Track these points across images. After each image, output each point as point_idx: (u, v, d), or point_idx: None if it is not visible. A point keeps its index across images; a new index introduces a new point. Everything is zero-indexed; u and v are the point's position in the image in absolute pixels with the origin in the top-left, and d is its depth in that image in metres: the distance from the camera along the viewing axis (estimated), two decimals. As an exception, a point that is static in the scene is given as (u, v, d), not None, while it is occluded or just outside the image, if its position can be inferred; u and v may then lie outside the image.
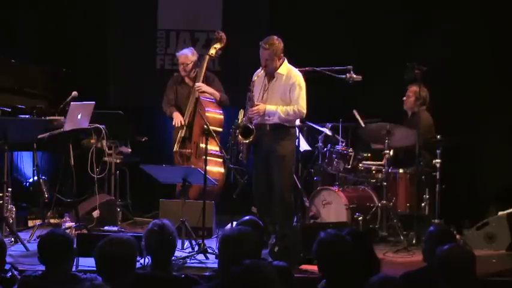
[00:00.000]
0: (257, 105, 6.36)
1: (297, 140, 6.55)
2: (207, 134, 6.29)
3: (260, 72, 6.45)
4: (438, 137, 6.77)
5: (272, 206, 6.47)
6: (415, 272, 4.07)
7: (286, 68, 6.40)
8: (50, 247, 3.74)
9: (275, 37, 6.38)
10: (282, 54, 6.37)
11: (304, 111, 6.37)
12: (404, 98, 7.15)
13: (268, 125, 6.41)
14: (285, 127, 6.41)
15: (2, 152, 6.19)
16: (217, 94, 7.22)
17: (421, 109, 7.00)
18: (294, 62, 6.54)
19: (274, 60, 6.34)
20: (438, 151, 6.69)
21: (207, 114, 6.89)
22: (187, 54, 7.32)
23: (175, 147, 7.25)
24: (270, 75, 6.42)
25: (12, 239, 6.09)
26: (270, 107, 6.36)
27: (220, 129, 7.04)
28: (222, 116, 7.14)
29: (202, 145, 6.99)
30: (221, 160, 7.07)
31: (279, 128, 6.40)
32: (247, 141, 6.39)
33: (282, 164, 6.38)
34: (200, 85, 7.17)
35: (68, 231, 6.29)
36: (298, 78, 6.39)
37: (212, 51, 7.28)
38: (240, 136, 6.40)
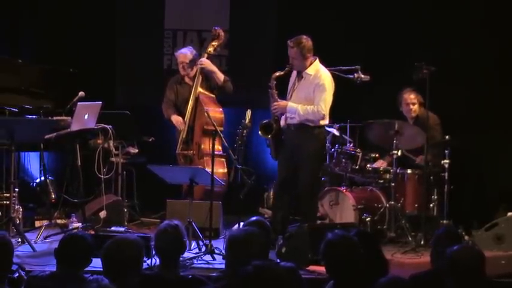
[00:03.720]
0: (278, 101, 6.37)
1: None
2: (214, 135, 6.30)
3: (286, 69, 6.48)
4: (447, 137, 6.76)
5: (286, 208, 6.48)
6: (424, 274, 4.06)
7: (315, 69, 6.38)
8: (76, 248, 3.76)
9: (304, 36, 6.36)
10: (310, 54, 6.35)
11: (324, 112, 6.33)
12: (410, 107, 7.12)
13: (293, 125, 6.42)
14: (308, 127, 6.37)
15: (9, 152, 6.21)
16: (220, 75, 7.16)
17: (423, 110, 6.99)
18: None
19: (300, 59, 6.32)
20: (446, 151, 6.68)
21: (210, 114, 6.86)
22: (186, 53, 7.32)
23: (178, 149, 7.25)
24: (299, 73, 6.43)
25: (19, 240, 6.10)
26: (292, 105, 6.36)
27: (222, 128, 7.00)
28: (222, 115, 7.12)
29: (204, 145, 7.03)
30: (223, 160, 7.07)
31: (302, 128, 6.38)
32: (269, 135, 6.40)
33: (305, 165, 6.36)
34: (204, 61, 7.15)
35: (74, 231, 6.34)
36: (325, 79, 6.35)
37: (210, 49, 7.27)
38: (261, 133, 6.40)
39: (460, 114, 7.59)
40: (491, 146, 7.68)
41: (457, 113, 7.55)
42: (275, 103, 6.39)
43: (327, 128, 7.20)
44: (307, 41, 6.33)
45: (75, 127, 6.67)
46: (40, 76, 7.68)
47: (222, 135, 6.58)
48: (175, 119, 7.25)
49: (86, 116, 6.71)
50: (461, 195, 7.05)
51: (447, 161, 6.68)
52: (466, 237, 6.47)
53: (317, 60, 6.40)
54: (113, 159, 7.33)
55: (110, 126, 6.81)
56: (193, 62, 7.26)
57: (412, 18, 8.04)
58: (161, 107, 7.54)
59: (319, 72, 6.37)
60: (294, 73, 6.50)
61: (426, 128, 6.68)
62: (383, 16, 8.10)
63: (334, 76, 6.57)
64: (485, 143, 7.62)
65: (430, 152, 6.76)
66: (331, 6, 8.28)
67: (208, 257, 5.80)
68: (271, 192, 7.43)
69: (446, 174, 6.68)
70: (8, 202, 6.32)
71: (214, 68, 7.20)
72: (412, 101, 7.14)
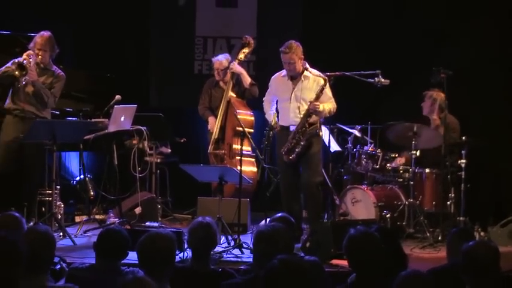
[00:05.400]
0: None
1: (323, 138, 6.54)
2: (242, 136, 6.31)
3: (280, 75, 6.47)
4: (463, 138, 6.70)
5: (296, 204, 6.45)
6: (442, 268, 4.04)
7: (311, 70, 6.39)
8: (112, 241, 3.79)
9: (293, 41, 6.39)
10: (303, 56, 6.36)
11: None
12: (422, 104, 7.09)
13: (291, 125, 6.40)
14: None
15: (51, 152, 6.27)
16: (247, 78, 7.24)
17: (443, 114, 6.91)
18: (326, 66, 6.56)
19: (297, 62, 6.34)
20: (463, 152, 6.62)
21: (238, 116, 6.88)
22: (222, 61, 7.39)
23: (210, 149, 7.28)
24: (295, 77, 6.41)
25: (61, 234, 6.16)
26: (321, 106, 6.32)
27: (252, 130, 7.02)
28: (252, 118, 7.16)
29: (235, 146, 7.04)
30: (253, 160, 7.08)
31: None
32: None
33: (308, 161, 6.35)
34: (235, 65, 7.22)
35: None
36: (324, 79, 6.37)
37: (241, 56, 7.34)
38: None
39: (476, 116, 7.53)
40: (506, 147, 7.61)
41: (473, 114, 7.48)
42: (317, 103, 6.31)
43: (349, 130, 7.21)
44: (298, 45, 6.35)
45: (112, 128, 6.73)
46: (80, 81, 7.75)
47: (249, 137, 6.59)
48: (211, 121, 7.33)
49: (122, 118, 6.76)
50: (478, 194, 6.98)
51: (464, 160, 6.62)
52: (482, 233, 6.42)
53: (306, 63, 6.41)
54: (147, 158, 7.37)
55: (145, 128, 6.86)
56: (227, 68, 7.32)
57: (430, 24, 8.00)
58: (192, 109, 7.61)
59: (316, 73, 6.39)
60: (280, 78, 6.49)
61: (445, 131, 6.63)
62: (402, 23, 8.06)
63: (355, 80, 6.56)
64: (500, 144, 7.55)
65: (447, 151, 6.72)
66: (354, 12, 8.25)
67: (236, 251, 5.81)
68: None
69: (463, 173, 6.61)
70: (50, 199, 6.39)
71: (242, 71, 7.28)
72: (425, 99, 7.05)
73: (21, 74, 6.33)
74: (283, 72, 6.48)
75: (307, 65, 6.40)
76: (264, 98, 6.73)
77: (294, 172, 6.44)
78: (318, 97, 6.29)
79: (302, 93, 6.38)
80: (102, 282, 3.60)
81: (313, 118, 6.34)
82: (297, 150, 6.33)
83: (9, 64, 6.42)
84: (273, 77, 6.62)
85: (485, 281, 3.40)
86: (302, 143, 6.31)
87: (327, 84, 6.32)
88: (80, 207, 7.39)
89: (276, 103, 6.61)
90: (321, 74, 6.35)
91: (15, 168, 6.49)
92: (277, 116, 6.56)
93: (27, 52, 6.41)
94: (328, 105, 6.34)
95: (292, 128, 6.40)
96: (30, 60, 6.35)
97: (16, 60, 6.41)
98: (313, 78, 6.37)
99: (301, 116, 6.34)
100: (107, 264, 3.76)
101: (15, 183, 6.54)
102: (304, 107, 6.34)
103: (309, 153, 6.35)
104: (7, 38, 7.13)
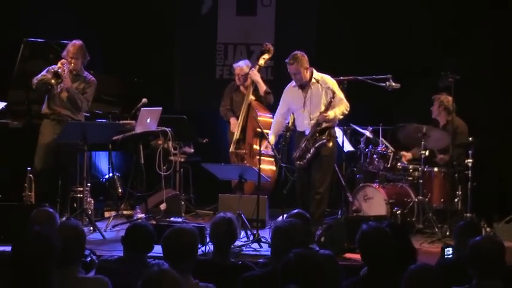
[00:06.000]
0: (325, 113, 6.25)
1: (340, 140, 6.50)
2: (260, 137, 6.31)
3: (291, 85, 6.46)
4: (470, 138, 6.66)
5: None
6: (450, 261, 4.02)
7: (317, 76, 6.36)
8: (139, 235, 3.81)
9: (298, 52, 6.34)
10: (307, 65, 6.31)
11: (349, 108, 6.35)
12: (431, 108, 7.05)
13: (306, 130, 6.39)
14: (328, 128, 6.34)
15: (82, 152, 6.32)
16: (263, 87, 7.23)
17: (450, 116, 6.87)
18: (339, 71, 6.54)
19: (302, 72, 6.30)
20: (470, 152, 6.58)
21: (258, 118, 6.89)
22: (242, 67, 7.39)
23: (231, 148, 7.29)
24: (303, 85, 6.38)
25: (91, 228, 6.20)
26: (331, 114, 6.28)
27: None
28: (271, 120, 7.15)
29: (256, 146, 7.04)
30: (272, 159, 7.08)
31: (324, 130, 6.34)
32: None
33: (318, 164, 6.31)
34: (253, 72, 7.22)
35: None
36: (332, 81, 6.34)
37: (261, 62, 7.34)
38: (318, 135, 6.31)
39: (483, 118, 7.47)
40: (510, 147, 7.55)
41: (480, 116, 7.43)
42: (325, 113, 6.23)
43: (362, 130, 7.19)
44: (302, 55, 6.30)
45: (139, 130, 6.76)
46: (109, 85, 7.79)
47: (267, 137, 6.59)
48: (233, 121, 7.35)
49: (148, 120, 6.80)
50: (484, 192, 6.93)
51: (470, 160, 6.58)
52: (488, 229, 6.38)
53: (313, 69, 6.36)
54: (172, 158, 7.40)
55: (169, 129, 6.89)
56: (248, 74, 7.33)
57: (439, 31, 7.97)
58: (214, 112, 7.62)
59: (324, 78, 6.35)
60: (291, 89, 6.45)
61: (453, 133, 6.59)
62: (412, 30, 8.03)
63: (367, 84, 6.54)
64: (505, 144, 7.50)
65: (456, 152, 6.67)
66: (367, 20, 8.23)
67: (255, 245, 5.82)
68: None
69: (469, 172, 6.58)
70: (81, 195, 6.43)
71: (258, 79, 7.27)
72: (434, 102, 7.02)
73: (57, 82, 6.40)
74: (294, 82, 6.45)
75: (315, 72, 6.36)
76: (277, 112, 6.63)
77: (308, 173, 6.42)
78: (327, 109, 6.25)
79: (312, 100, 6.35)
80: (130, 273, 3.62)
81: (325, 124, 6.30)
82: (307, 156, 6.29)
83: (44, 72, 6.50)
84: (285, 89, 6.55)
85: (491, 274, 3.38)
86: (312, 150, 6.28)
87: (335, 95, 6.25)
88: (108, 204, 7.43)
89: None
90: (330, 83, 6.27)
91: (55, 167, 6.55)
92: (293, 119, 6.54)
93: (61, 61, 6.47)
94: (340, 108, 6.29)
95: (307, 133, 6.38)
96: (65, 68, 6.42)
97: (51, 68, 6.48)
98: (322, 83, 6.31)
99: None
100: (134, 257, 3.78)
101: (51, 181, 6.59)
102: (315, 113, 6.29)
103: (319, 156, 6.31)
104: (42, 46, 7.19)
